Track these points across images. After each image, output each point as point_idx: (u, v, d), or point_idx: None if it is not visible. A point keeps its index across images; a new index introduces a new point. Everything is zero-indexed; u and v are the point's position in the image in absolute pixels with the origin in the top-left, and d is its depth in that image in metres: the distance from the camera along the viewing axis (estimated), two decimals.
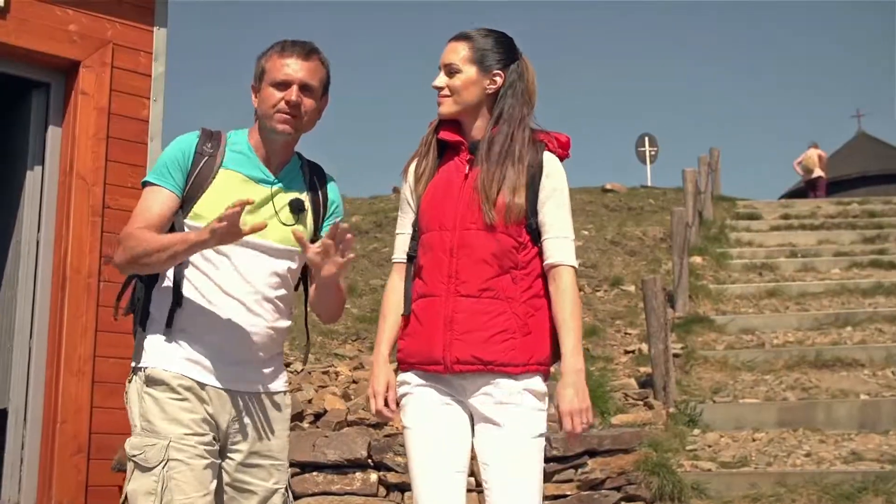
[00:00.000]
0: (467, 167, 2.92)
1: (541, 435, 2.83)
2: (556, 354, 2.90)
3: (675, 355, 8.36)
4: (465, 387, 2.85)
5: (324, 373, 7.32)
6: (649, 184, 21.24)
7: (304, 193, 2.98)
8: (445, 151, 2.99)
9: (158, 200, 2.83)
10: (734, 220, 15.62)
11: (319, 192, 3.03)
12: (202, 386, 2.79)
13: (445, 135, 2.96)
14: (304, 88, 2.87)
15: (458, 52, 2.93)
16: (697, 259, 12.31)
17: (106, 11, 5.33)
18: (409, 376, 2.92)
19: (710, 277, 11.86)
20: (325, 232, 2.99)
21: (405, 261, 2.99)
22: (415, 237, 2.98)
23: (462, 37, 2.96)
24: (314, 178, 3.03)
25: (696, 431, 7.10)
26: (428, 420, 2.87)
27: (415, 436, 2.89)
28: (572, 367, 2.80)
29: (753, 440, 6.97)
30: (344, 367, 7.51)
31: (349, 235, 2.71)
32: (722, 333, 9.59)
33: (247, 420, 2.87)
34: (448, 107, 2.94)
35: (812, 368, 8.32)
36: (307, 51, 2.90)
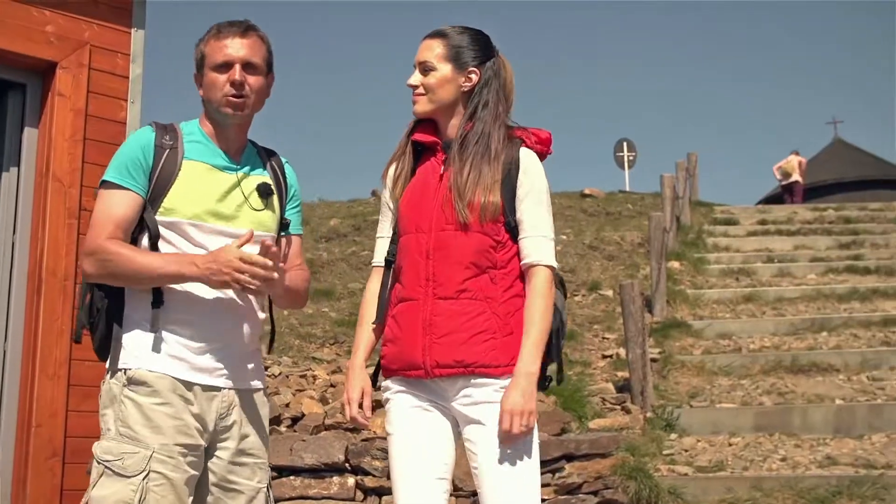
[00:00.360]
0: (442, 167, 2.90)
1: (516, 445, 2.76)
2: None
3: (653, 360, 8.39)
4: (447, 390, 2.82)
5: (301, 376, 7.30)
6: (627, 189, 21.32)
7: (267, 176, 2.95)
8: (423, 152, 2.97)
9: (122, 203, 2.76)
10: (712, 225, 15.70)
11: (280, 175, 3.00)
12: (189, 386, 2.73)
13: (420, 136, 2.94)
14: (247, 66, 2.82)
15: (433, 50, 2.90)
16: (675, 264, 12.37)
17: (83, 13, 5.29)
18: (390, 382, 2.90)
19: (688, 282, 11.92)
20: (289, 215, 3.01)
21: (384, 265, 2.97)
22: (395, 241, 2.96)
23: (437, 34, 2.93)
24: (272, 161, 3.01)
25: (673, 436, 7.12)
26: (408, 426, 2.85)
27: (396, 442, 2.87)
28: (525, 368, 2.74)
29: (730, 445, 7.00)
30: (321, 371, 7.49)
31: (273, 249, 2.69)
32: (699, 338, 9.63)
33: (234, 417, 2.82)
34: (423, 105, 2.91)
35: (788, 373, 8.37)
36: (244, 28, 2.84)
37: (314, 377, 7.31)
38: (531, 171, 2.88)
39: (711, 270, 12.56)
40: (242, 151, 2.92)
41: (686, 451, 6.86)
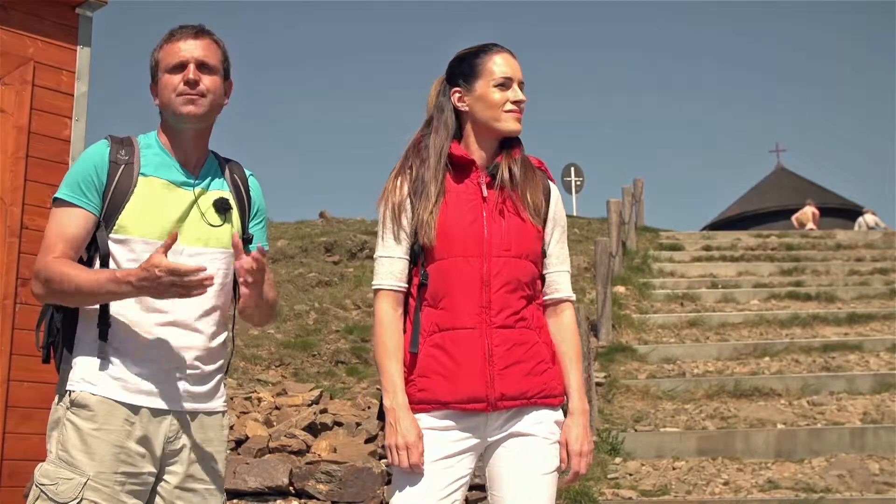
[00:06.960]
0: (484, 189, 2.77)
1: (557, 469, 2.76)
2: None
3: (598, 384, 8.44)
4: (495, 423, 2.72)
5: (246, 399, 7.23)
6: (574, 213, 21.51)
7: (227, 191, 2.84)
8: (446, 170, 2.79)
9: (72, 221, 2.67)
10: (657, 250, 15.86)
11: (242, 190, 2.89)
12: (135, 410, 2.64)
13: (460, 154, 2.77)
14: (202, 66, 2.72)
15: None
16: (621, 289, 12.47)
17: (27, 29, 5.23)
18: (424, 418, 2.69)
19: (634, 307, 12.02)
20: (252, 231, 2.89)
21: (403, 289, 2.74)
22: (414, 263, 2.75)
23: (513, 54, 2.83)
24: (234, 175, 2.89)
25: (618, 460, 7.16)
26: (431, 478, 2.66)
27: (407, 485, 2.67)
28: (581, 407, 2.77)
29: (674, 469, 7.05)
30: (266, 394, 7.43)
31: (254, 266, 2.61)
32: (644, 363, 9.71)
33: (183, 441, 2.71)
34: (520, 125, 2.80)
35: (731, 398, 8.46)
36: (196, 31, 2.77)
37: (259, 399, 7.25)
38: (558, 203, 2.88)
39: (656, 295, 12.68)
40: (202, 164, 2.82)
41: (630, 474, 6.90)
